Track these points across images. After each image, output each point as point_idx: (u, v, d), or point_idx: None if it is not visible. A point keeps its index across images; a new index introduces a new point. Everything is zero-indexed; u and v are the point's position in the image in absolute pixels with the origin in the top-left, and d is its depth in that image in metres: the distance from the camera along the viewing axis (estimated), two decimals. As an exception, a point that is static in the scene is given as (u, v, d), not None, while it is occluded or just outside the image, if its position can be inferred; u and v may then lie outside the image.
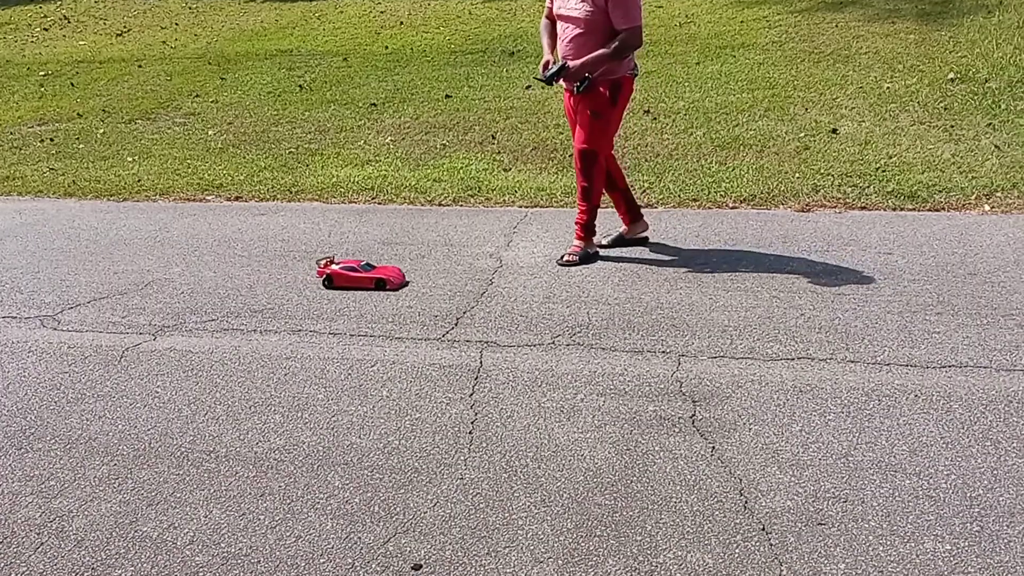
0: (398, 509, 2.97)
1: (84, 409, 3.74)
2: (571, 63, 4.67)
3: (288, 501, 3.05)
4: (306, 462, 3.26)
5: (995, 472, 2.95)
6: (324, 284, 4.84)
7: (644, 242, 5.21)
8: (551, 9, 4.90)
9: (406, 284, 4.83)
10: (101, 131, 8.63)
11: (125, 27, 12.89)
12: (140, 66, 10.79)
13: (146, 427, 3.56)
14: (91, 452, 3.41)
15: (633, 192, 6.11)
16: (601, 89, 4.71)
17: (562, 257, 5.01)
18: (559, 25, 4.83)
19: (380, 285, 4.77)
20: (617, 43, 4.58)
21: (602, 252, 5.12)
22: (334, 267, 4.85)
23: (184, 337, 4.35)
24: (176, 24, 12.76)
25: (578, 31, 4.68)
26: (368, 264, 4.90)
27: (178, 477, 3.22)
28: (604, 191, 5.09)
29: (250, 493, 3.10)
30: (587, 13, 4.61)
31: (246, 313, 4.58)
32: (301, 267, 5.16)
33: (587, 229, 5.03)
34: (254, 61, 10.55)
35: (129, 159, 7.76)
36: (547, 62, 4.87)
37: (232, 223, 6.07)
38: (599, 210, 5.04)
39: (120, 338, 4.38)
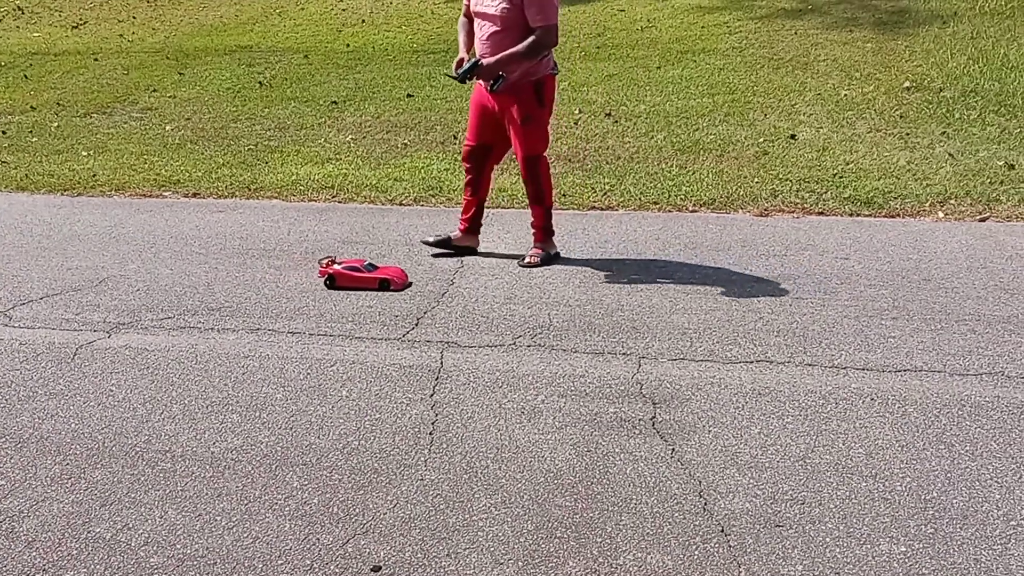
0: (357, 510, 2.94)
1: (36, 407, 3.66)
2: (484, 61, 4.62)
3: (245, 502, 3.01)
4: (264, 462, 3.22)
5: (949, 475, 3.00)
6: (326, 284, 4.76)
7: (472, 252, 5.18)
8: (468, 6, 4.84)
9: (409, 285, 4.76)
10: (55, 124, 8.48)
11: (81, 19, 12.66)
12: (96, 59, 10.61)
13: (100, 426, 3.49)
14: (43, 451, 3.34)
15: (591, 194, 6.13)
16: (526, 92, 4.68)
17: (524, 259, 5.01)
18: (476, 23, 4.77)
19: (384, 286, 4.69)
20: (531, 41, 4.53)
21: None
22: (336, 267, 4.77)
23: (140, 335, 4.28)
24: (134, 17, 12.57)
25: (495, 28, 4.63)
26: (371, 264, 4.82)
27: (132, 477, 3.16)
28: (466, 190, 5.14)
29: (206, 494, 3.06)
30: (503, 10, 4.56)
31: (203, 311, 4.52)
32: (260, 265, 5.11)
33: (545, 231, 5.03)
34: (213, 56, 10.42)
35: (84, 153, 7.63)
36: (461, 60, 4.81)
37: (189, 220, 5.99)
38: (557, 212, 5.06)
39: (74, 335, 4.30)
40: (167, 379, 3.84)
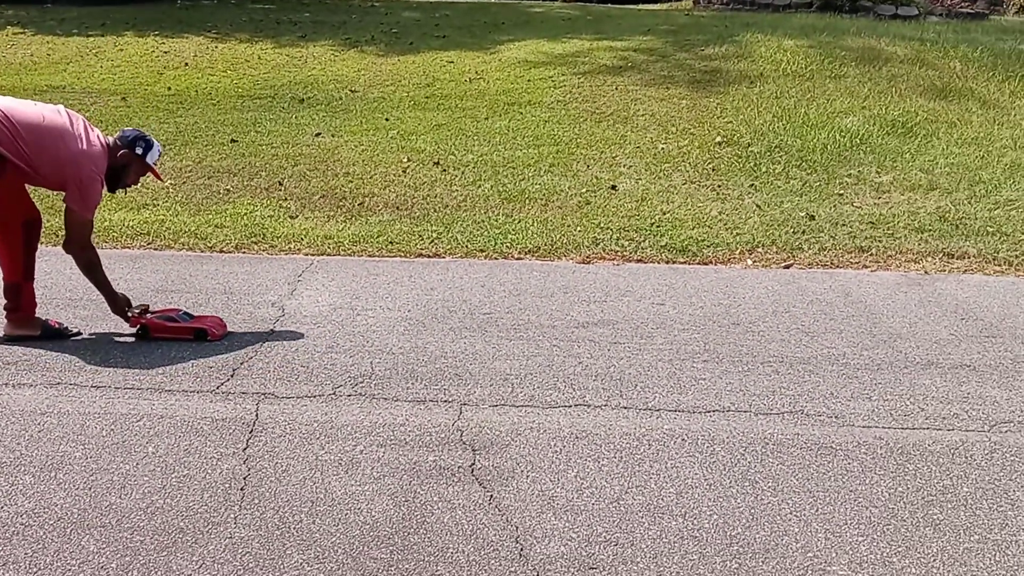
0: (159, 573, 2.78)
1: None
2: None
3: (35, 570, 2.80)
4: (58, 526, 3.01)
5: (752, 511, 3.12)
6: (138, 334, 4.52)
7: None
8: None
9: (227, 334, 4.58)
10: None
11: None
12: None
13: None
14: None
15: (419, 241, 6.12)
16: None
17: None
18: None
19: (200, 336, 4.48)
20: None
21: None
22: (149, 316, 4.55)
23: (-78, 392, 3.94)
24: (-67, 53, 11.78)
25: None
26: (186, 314, 4.61)
27: (-95, 549, 2.89)
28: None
29: (-10, 563, 2.82)
30: None
31: (-3, 365, 4.22)
32: (65, 315, 4.81)
33: None
34: (22, 96, 9.87)
35: None
36: None
37: (-13, 268, 5.59)
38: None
39: None
40: (-49, 439, 3.54)
